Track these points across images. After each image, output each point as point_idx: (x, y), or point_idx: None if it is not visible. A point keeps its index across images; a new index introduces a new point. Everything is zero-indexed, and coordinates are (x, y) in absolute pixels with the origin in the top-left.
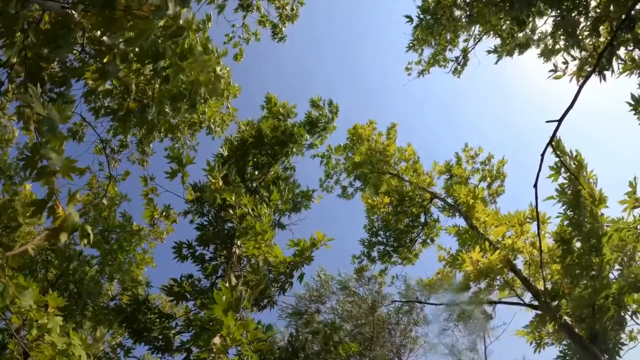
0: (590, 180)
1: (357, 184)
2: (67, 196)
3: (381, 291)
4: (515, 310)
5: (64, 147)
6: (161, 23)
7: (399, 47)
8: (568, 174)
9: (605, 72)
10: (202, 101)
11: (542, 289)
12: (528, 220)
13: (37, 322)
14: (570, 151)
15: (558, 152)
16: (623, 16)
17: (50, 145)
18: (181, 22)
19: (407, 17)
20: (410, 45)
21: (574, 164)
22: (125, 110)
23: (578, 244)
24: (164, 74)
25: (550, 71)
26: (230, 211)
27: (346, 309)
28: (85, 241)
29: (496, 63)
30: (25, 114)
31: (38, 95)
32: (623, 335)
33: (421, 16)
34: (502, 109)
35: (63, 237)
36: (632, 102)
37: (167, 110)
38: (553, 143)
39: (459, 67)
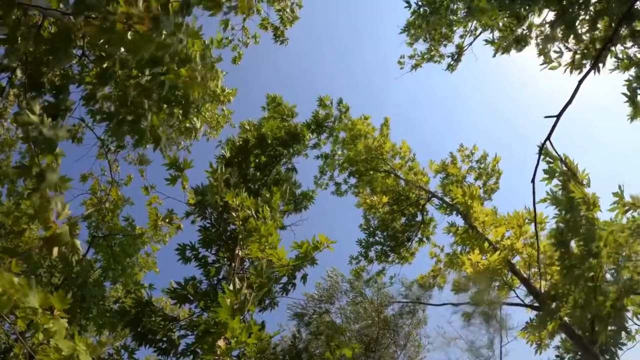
0: (584, 181)
1: (352, 180)
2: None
3: (382, 292)
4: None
5: (60, 161)
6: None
7: (398, 45)
8: (561, 177)
9: (600, 64)
10: (196, 109)
11: (542, 289)
12: (527, 221)
13: (42, 326)
14: (560, 156)
15: (548, 158)
16: (621, 13)
17: (46, 161)
18: (181, 35)
19: (406, 1)
20: (404, 29)
21: (564, 167)
22: (121, 117)
23: (573, 245)
24: (161, 79)
25: (543, 63)
26: (233, 213)
27: (354, 310)
28: (75, 257)
29: (494, 56)
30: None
31: (37, 111)
32: (622, 335)
33: (420, 3)
34: (500, 103)
35: (55, 251)
36: (628, 93)
37: (162, 116)
38: (549, 141)
39: (452, 63)
